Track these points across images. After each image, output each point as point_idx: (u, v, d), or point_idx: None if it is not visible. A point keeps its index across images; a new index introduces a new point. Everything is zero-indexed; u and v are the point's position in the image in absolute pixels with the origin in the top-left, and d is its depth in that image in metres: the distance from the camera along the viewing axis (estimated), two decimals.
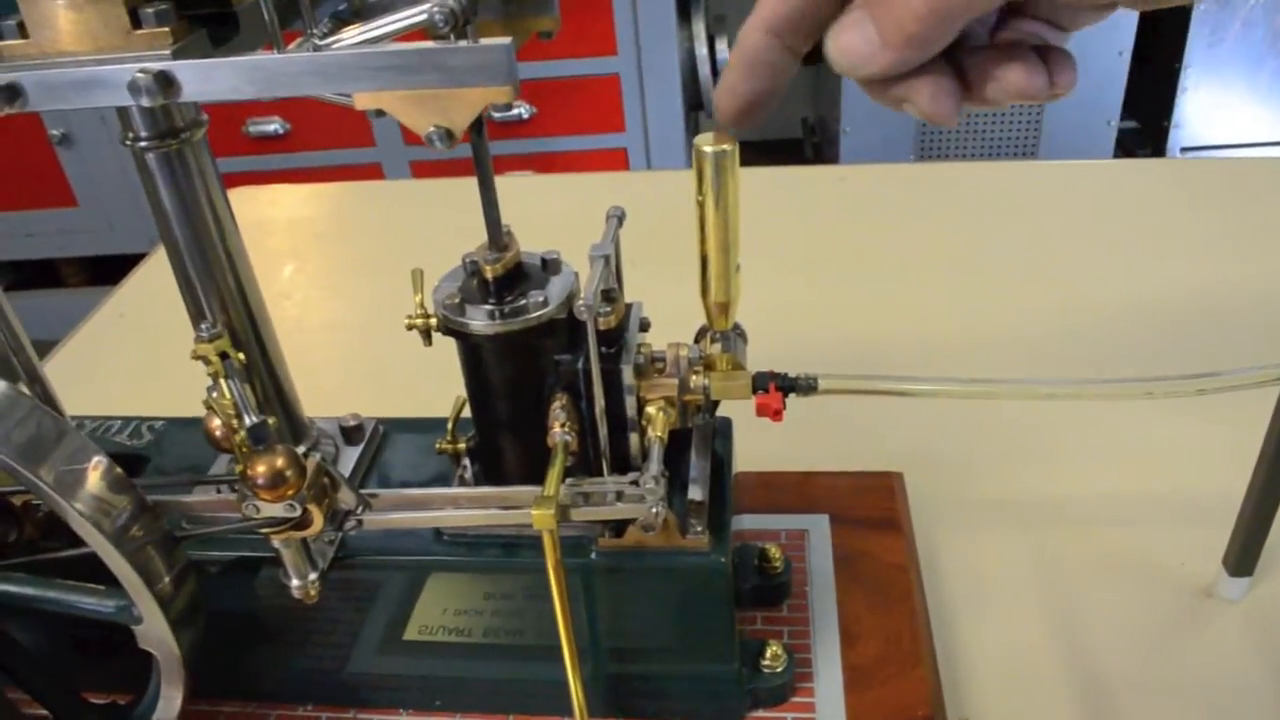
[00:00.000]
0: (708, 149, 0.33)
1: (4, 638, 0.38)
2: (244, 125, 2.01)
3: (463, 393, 0.38)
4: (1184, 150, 1.98)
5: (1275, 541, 0.46)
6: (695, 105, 2.02)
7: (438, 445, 0.39)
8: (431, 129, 0.28)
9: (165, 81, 0.29)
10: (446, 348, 0.37)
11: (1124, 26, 1.84)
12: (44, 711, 0.39)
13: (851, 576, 0.47)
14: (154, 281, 0.83)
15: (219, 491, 0.38)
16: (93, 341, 0.76)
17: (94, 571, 0.34)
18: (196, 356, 0.30)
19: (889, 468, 0.54)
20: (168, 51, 0.29)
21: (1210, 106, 1.95)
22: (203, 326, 0.30)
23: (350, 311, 0.77)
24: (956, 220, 0.81)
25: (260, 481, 0.31)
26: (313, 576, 0.36)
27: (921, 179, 0.92)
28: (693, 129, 2.08)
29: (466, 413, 0.39)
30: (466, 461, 0.40)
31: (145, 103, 0.28)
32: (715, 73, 1.91)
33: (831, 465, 0.54)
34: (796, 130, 2.67)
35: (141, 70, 0.28)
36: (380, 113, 0.28)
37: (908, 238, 0.80)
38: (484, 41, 0.27)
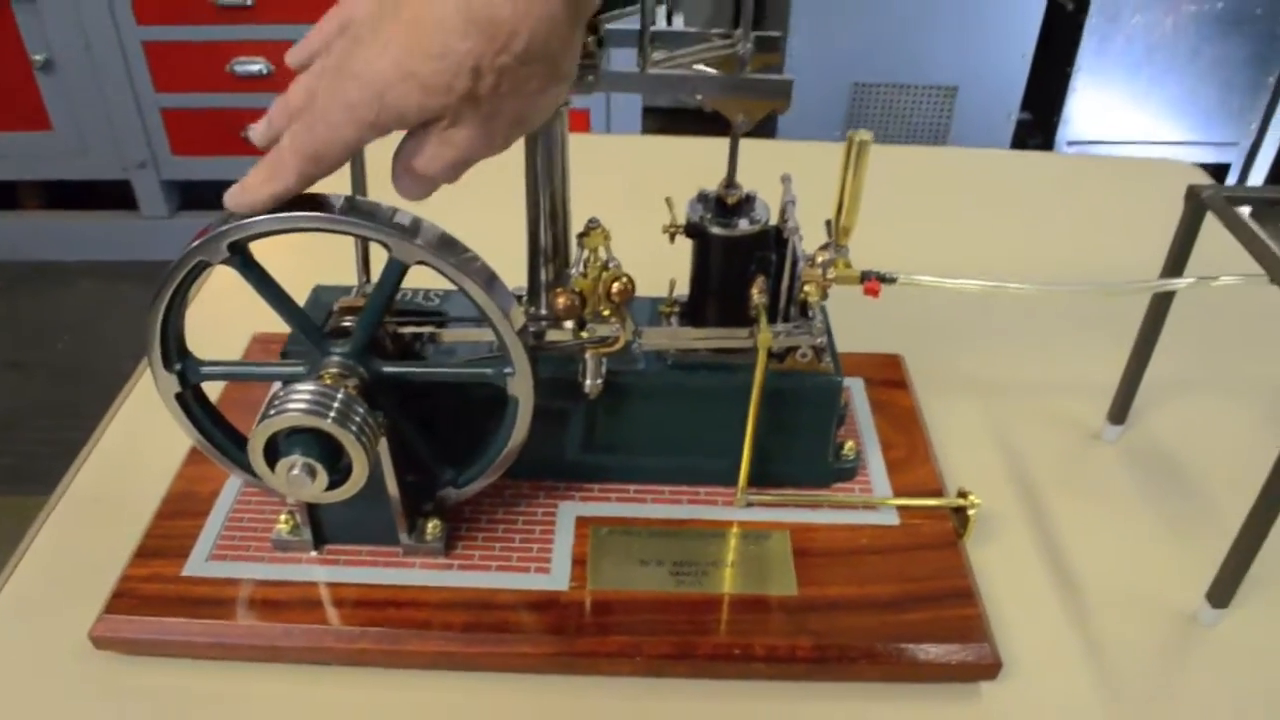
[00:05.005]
0: (855, 139, 0.57)
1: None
2: (228, 64, 2.13)
3: (664, 278, 0.62)
4: (1070, 144, 2.34)
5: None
6: None
7: (660, 308, 0.63)
8: (741, 118, 0.52)
9: (593, 82, 0.51)
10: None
11: (1028, 34, 2.17)
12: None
13: (881, 413, 0.73)
14: None
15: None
16: None
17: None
18: (588, 244, 0.54)
19: (891, 351, 0.80)
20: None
21: (1095, 106, 2.31)
22: (590, 221, 0.54)
23: None
24: (874, 197, 1.08)
25: (616, 299, 0.55)
26: (599, 380, 0.59)
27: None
28: None
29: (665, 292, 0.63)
30: (675, 320, 0.64)
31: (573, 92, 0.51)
32: None
33: (854, 349, 0.80)
34: None
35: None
36: (711, 107, 0.52)
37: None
38: (775, 76, 0.51)
